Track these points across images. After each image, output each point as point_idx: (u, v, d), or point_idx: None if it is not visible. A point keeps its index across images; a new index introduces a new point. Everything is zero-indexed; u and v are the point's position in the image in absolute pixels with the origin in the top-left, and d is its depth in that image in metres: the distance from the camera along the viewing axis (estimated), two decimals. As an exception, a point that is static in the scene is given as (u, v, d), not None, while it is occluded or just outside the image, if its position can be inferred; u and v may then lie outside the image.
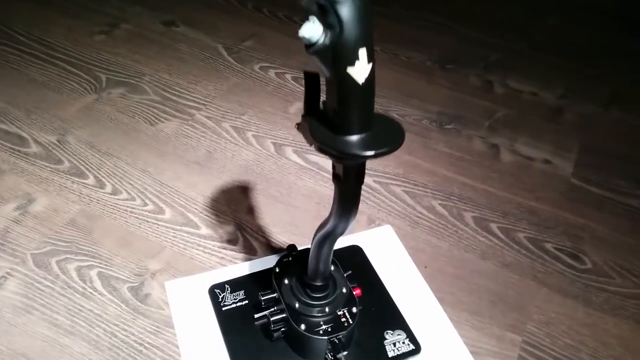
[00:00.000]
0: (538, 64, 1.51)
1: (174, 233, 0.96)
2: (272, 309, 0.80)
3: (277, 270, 0.82)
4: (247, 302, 0.87)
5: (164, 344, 0.81)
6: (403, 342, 0.84)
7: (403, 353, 0.83)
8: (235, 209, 1.02)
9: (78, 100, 1.21)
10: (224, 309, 0.86)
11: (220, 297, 0.87)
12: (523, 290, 0.94)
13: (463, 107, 1.34)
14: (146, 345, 0.80)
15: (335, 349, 0.77)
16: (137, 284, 0.88)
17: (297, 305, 0.78)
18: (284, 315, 0.79)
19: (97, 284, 0.87)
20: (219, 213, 1.01)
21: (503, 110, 1.34)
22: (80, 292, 0.86)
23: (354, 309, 0.80)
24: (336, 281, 0.81)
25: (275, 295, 0.81)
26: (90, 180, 1.04)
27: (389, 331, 0.85)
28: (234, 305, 0.86)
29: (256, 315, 0.82)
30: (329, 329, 0.77)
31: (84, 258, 0.90)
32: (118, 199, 1.01)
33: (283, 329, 0.81)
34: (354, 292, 0.82)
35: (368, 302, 0.88)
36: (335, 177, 0.62)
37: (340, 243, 0.98)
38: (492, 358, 0.84)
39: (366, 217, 1.04)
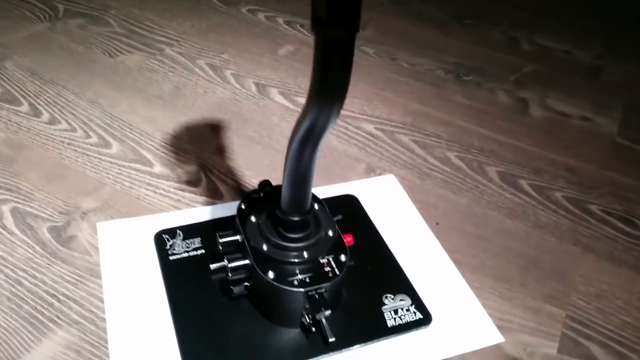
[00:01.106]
0: (570, 23, 1.31)
1: (119, 169, 0.76)
2: (232, 255, 0.59)
3: (243, 207, 0.62)
4: (203, 252, 0.66)
5: (85, 297, 0.60)
6: (407, 310, 0.62)
7: (407, 323, 0.61)
8: (201, 147, 0.81)
9: (26, 28, 1.02)
10: (171, 258, 0.65)
11: (168, 244, 0.66)
12: (564, 255, 0.73)
13: (484, 60, 1.14)
14: (60, 297, 0.59)
15: (314, 306, 0.55)
16: (60, 224, 0.67)
17: (265, 247, 0.57)
18: (247, 261, 0.58)
19: (9, 220, 0.66)
20: (180, 151, 0.80)
21: (531, 65, 1.14)
22: (-16, 231, 0.65)
23: (342, 257, 0.58)
24: (320, 221, 0.60)
25: (237, 237, 0.60)
26: (24, 107, 0.85)
27: (389, 295, 0.64)
28: (185, 255, 0.65)
29: (212, 266, 0.61)
30: (307, 280, 0.56)
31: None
32: (55, 129, 0.81)
33: (246, 284, 0.60)
34: (344, 239, 0.61)
35: (362, 259, 0.67)
36: (316, 21, 0.41)
37: (331, 191, 0.77)
38: (527, 335, 0.62)
39: (364, 165, 0.83)
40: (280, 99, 0.95)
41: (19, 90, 0.87)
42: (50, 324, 0.57)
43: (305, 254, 0.57)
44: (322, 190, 0.76)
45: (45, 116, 0.83)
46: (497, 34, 1.24)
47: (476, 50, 1.17)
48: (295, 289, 0.55)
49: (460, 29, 1.24)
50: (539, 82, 1.09)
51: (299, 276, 0.56)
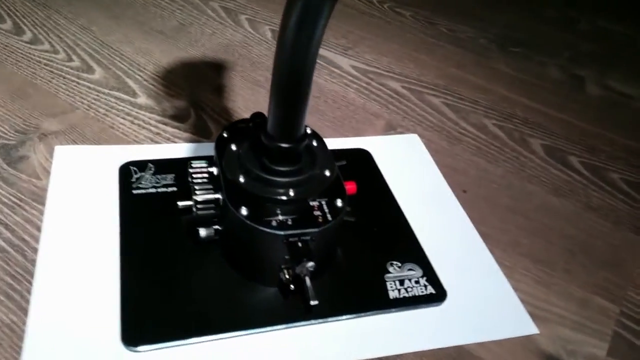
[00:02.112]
0: (631, 5, 1.16)
1: (97, 95, 0.65)
2: (203, 187, 0.47)
3: (225, 134, 0.50)
4: (175, 189, 0.54)
5: (19, 223, 0.48)
6: (417, 282, 0.49)
7: (415, 297, 0.48)
8: (196, 84, 0.70)
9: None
10: (135, 192, 0.53)
11: (134, 177, 0.55)
12: (620, 243, 0.58)
13: (536, 34, 1.00)
14: (-9, 220, 0.48)
15: (295, 256, 0.43)
16: (13, 142, 0.56)
17: (242, 179, 0.45)
18: (218, 195, 0.46)
19: (-46, 133, 0.56)
20: (172, 85, 0.69)
21: (589, 45, 0.99)
22: None
23: (338, 203, 0.46)
24: (315, 158, 0.48)
25: (213, 170, 0.48)
26: (7, 25, 0.75)
27: (395, 263, 0.51)
28: (152, 190, 0.54)
29: (180, 204, 0.49)
30: (289, 222, 0.43)
31: (-49, 101, 0.60)
32: (34, 49, 0.71)
33: (217, 227, 0.48)
34: (345, 186, 0.48)
35: (367, 219, 0.54)
36: None
37: (340, 144, 0.65)
38: (569, 330, 0.48)
39: (384, 122, 0.70)
40: (296, 47, 0.83)
41: (6, 9, 0.78)
42: (-30, 248, 0.46)
43: (292, 192, 0.45)
44: (330, 142, 0.63)
45: (28, 35, 0.74)
46: (552, 12, 1.10)
47: (527, 24, 1.03)
48: (273, 231, 0.43)
49: (509, 1, 1.11)
50: (597, 61, 0.94)
51: (280, 217, 0.44)
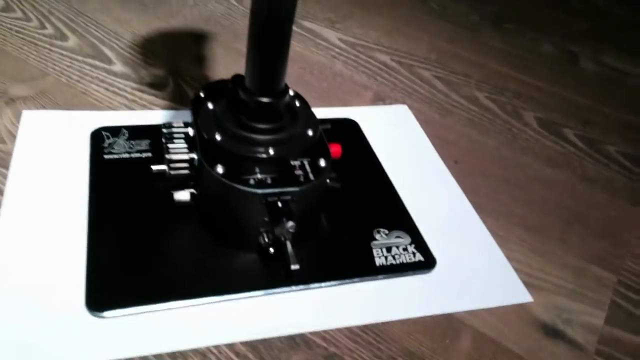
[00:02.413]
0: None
1: (70, 62, 0.62)
2: (177, 146, 0.44)
3: (202, 94, 0.47)
4: (150, 155, 0.51)
5: (-20, 187, 0.45)
6: (405, 250, 0.46)
7: (403, 264, 0.45)
8: (176, 54, 0.67)
9: None
10: (107, 157, 0.50)
11: (107, 142, 0.52)
12: (617, 214, 0.56)
13: (529, 12, 0.98)
14: (-52, 184, 0.45)
15: (274, 217, 0.40)
16: (-22, 106, 0.53)
17: (218, 137, 0.42)
18: (193, 155, 0.44)
19: None
20: (150, 54, 0.66)
21: (582, 23, 0.97)
22: None
23: (322, 162, 0.43)
24: (297, 117, 0.45)
25: (189, 130, 0.45)
26: (-23, -8, 0.72)
27: (382, 230, 0.48)
28: (125, 156, 0.51)
29: (155, 167, 0.46)
30: (268, 180, 0.40)
31: None
32: (6, 16, 0.68)
33: (192, 191, 0.45)
34: (329, 149, 0.45)
35: (353, 186, 0.52)
36: None
37: (327, 114, 0.62)
38: (565, 298, 0.46)
39: (372, 93, 0.68)
40: (282, 20, 0.80)
41: (-23, -24, 0.75)
42: None
43: (271, 151, 0.42)
44: (316, 112, 0.61)
45: (0, 4, 0.70)
46: (545, -9, 1.07)
47: (520, 2, 1.01)
48: (250, 189, 0.40)
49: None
50: (592, 39, 0.92)
51: (259, 175, 0.41)
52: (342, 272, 0.44)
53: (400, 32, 0.83)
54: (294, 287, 0.42)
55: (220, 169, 0.40)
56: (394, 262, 0.45)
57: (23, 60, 0.61)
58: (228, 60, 0.68)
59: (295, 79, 0.66)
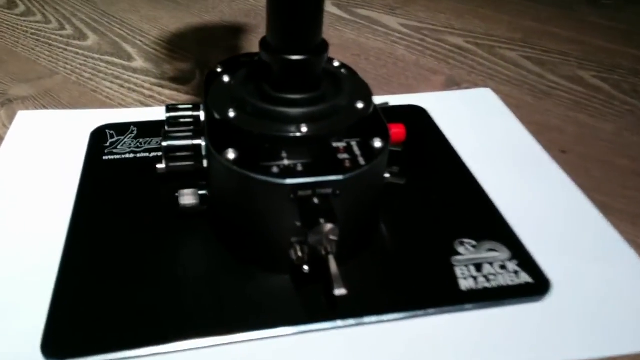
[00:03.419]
0: None
1: (85, 60, 0.53)
2: (176, 131, 0.33)
3: (219, 69, 0.36)
4: (159, 154, 0.40)
5: (-55, 198, 0.36)
6: (503, 268, 0.32)
7: (501, 288, 0.31)
8: (207, 47, 0.57)
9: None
10: (106, 157, 0.40)
11: (109, 141, 0.41)
12: None
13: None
14: None
15: (309, 219, 0.27)
16: (-32, 108, 0.45)
17: (231, 114, 0.30)
18: (198, 141, 0.32)
19: None
20: (177, 49, 0.57)
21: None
22: None
23: (376, 143, 0.30)
24: (341, 85, 0.33)
25: (200, 114, 0.34)
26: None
27: (466, 241, 0.34)
28: (128, 156, 0.40)
29: (160, 166, 0.34)
30: (299, 168, 0.28)
31: None
32: (24, 19, 0.61)
33: (204, 192, 0.33)
34: (387, 126, 0.32)
35: (424, 182, 0.38)
36: None
37: (386, 100, 0.49)
38: None
39: (444, 77, 0.54)
40: (334, 10, 0.69)
41: (3, -13, 0.69)
42: None
43: (304, 128, 0.29)
44: (375, 99, 0.48)
45: (21, 9, 0.64)
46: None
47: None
48: (273, 179, 0.27)
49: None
50: None
51: (286, 161, 0.28)
52: (411, 300, 0.30)
53: (473, 13, 0.70)
54: (339, 322, 0.28)
55: (231, 154, 0.28)
56: (487, 285, 0.31)
57: (32, 60, 0.53)
58: (268, 51, 0.57)
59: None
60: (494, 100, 0.50)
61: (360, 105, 0.32)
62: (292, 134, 0.29)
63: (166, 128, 0.34)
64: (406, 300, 0.30)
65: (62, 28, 0.60)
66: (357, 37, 0.62)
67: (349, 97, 0.32)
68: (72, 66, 0.52)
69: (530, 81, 0.54)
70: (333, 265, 0.28)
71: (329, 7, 0.69)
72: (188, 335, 0.27)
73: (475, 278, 0.31)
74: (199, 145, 0.32)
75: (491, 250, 0.33)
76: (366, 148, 0.30)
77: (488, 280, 0.31)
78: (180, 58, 0.55)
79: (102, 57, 0.54)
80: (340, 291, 0.27)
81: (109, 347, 0.26)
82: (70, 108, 0.46)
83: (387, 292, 0.30)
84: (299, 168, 0.28)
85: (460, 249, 0.33)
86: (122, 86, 0.49)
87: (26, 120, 0.44)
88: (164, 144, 0.32)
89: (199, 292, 0.30)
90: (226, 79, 0.34)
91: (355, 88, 0.33)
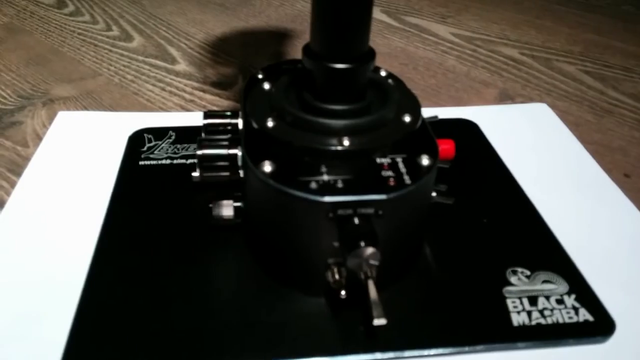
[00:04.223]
0: None
1: (129, 62, 0.53)
2: (214, 140, 0.32)
3: (260, 75, 0.34)
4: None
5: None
6: (560, 302, 0.29)
7: (558, 325, 0.28)
8: (252, 52, 0.56)
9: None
10: (142, 162, 0.39)
11: (146, 146, 0.40)
12: None
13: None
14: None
15: (347, 237, 0.25)
16: (10, 107, 0.45)
17: (270, 124, 0.28)
18: (235, 150, 0.30)
19: (-51, 98, 0.46)
20: (222, 53, 0.56)
21: None
22: None
23: (424, 161, 0.28)
24: (388, 97, 0.31)
25: (234, 120, 0.33)
26: (50, 0, 0.66)
27: (520, 271, 0.31)
28: (165, 162, 0.39)
29: (195, 174, 0.33)
30: (339, 184, 0.26)
31: (-40, 67, 0.50)
32: (72, 19, 0.62)
33: (239, 204, 0.31)
34: (436, 142, 0.30)
35: (474, 203, 0.35)
36: None
37: (434, 112, 0.46)
38: None
39: (496, 91, 0.51)
40: (383, 17, 0.67)
41: (55, -13, 0.70)
42: None
43: (346, 141, 0.27)
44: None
45: (70, 8, 0.65)
46: None
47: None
48: (311, 196, 0.25)
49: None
50: None
51: (325, 177, 0.26)
52: (456, 333, 0.27)
53: (530, 24, 0.66)
54: (378, 355, 0.26)
55: (267, 167, 0.27)
56: (542, 321, 0.28)
57: (77, 61, 0.53)
58: (312, 58, 0.56)
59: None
60: (551, 117, 0.47)
61: (407, 118, 0.30)
62: (333, 147, 0.27)
63: (203, 135, 0.33)
64: (451, 333, 0.27)
65: (109, 29, 0.59)
66: (405, 45, 0.59)
67: (395, 110, 0.30)
68: (115, 67, 0.52)
69: (590, 97, 0.51)
70: (373, 292, 0.26)
71: (377, 14, 0.67)
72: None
73: (529, 313, 0.29)
74: (235, 155, 0.30)
75: (547, 281, 0.31)
76: (412, 165, 0.28)
77: (543, 315, 0.28)
78: (224, 62, 0.54)
79: (146, 59, 0.54)
80: (380, 321, 0.25)
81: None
82: (110, 110, 0.45)
83: (430, 323, 0.28)
84: (339, 185, 0.26)
85: (513, 279, 0.31)
86: (163, 89, 0.49)
87: (66, 121, 0.43)
88: (199, 152, 0.30)
89: (229, 313, 0.28)
90: (267, 86, 0.32)
91: (402, 100, 0.31)
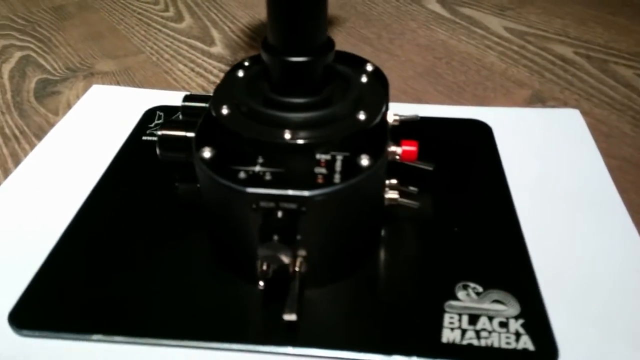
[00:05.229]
0: None
1: (171, 42, 0.56)
2: (178, 124, 0.33)
3: (247, 63, 0.35)
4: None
5: (3, 156, 0.40)
6: (503, 325, 0.28)
7: (491, 350, 0.27)
8: (288, 37, 0.57)
9: None
10: (145, 138, 0.42)
11: (155, 122, 0.43)
12: None
13: None
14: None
15: (264, 230, 0.26)
16: (56, 78, 0.50)
17: (224, 111, 0.30)
18: (189, 133, 0.32)
19: (9, 64, 0.52)
20: (260, 38, 0.57)
21: None
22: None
23: (363, 161, 0.27)
24: (350, 91, 0.30)
25: (203, 103, 0.34)
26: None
27: (471, 286, 0.30)
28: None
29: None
30: (267, 176, 0.26)
31: (26, 39, 0.56)
32: (138, 1, 0.66)
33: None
34: (386, 143, 0.30)
35: (449, 210, 0.34)
36: None
37: (448, 111, 0.45)
38: None
39: (530, 92, 0.48)
40: (436, 7, 0.64)
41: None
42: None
43: (287, 134, 0.28)
44: (435, 109, 0.44)
45: (138, -10, 0.69)
46: None
47: None
48: (236, 185, 0.26)
49: None
50: None
51: (257, 168, 0.27)
52: (378, 340, 0.27)
53: (599, 20, 0.61)
54: (289, 349, 0.27)
55: (207, 153, 0.28)
56: (475, 342, 0.27)
57: (128, 38, 0.57)
58: (346, 45, 0.55)
59: (422, 69, 0.50)
60: (579, 125, 0.43)
61: (362, 116, 0.29)
62: (271, 140, 0.28)
63: (180, 117, 0.35)
64: (373, 340, 0.27)
65: (166, 10, 0.63)
66: (448, 38, 0.57)
67: (351, 106, 0.30)
68: (158, 47, 0.55)
69: (638, 107, 0.46)
70: (294, 287, 0.26)
71: (431, 4, 0.65)
72: (142, 332, 0.27)
73: (463, 331, 0.27)
74: (191, 138, 0.31)
75: (497, 301, 0.29)
76: (350, 165, 0.27)
77: (478, 337, 0.27)
78: (257, 47, 0.55)
79: (187, 40, 0.57)
80: (290, 316, 0.25)
81: (71, 328, 0.28)
82: (138, 86, 0.49)
83: (355, 326, 0.28)
84: (267, 177, 0.26)
85: (460, 294, 0.29)
86: (192, 70, 0.51)
87: (96, 94, 0.47)
88: (159, 132, 0.32)
89: (167, 289, 0.30)
90: (240, 74, 0.33)
91: (365, 95, 0.31)
